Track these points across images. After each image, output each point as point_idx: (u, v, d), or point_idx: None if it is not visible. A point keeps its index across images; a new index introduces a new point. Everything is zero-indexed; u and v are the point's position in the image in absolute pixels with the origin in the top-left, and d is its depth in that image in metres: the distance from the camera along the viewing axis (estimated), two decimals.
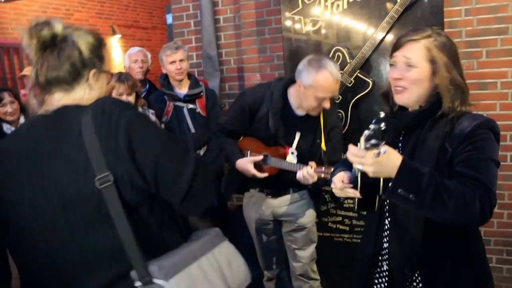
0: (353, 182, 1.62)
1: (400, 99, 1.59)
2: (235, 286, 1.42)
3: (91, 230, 1.24)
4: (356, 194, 1.59)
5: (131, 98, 2.91)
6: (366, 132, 1.29)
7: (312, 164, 2.38)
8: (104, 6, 8.92)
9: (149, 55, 3.94)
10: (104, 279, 1.26)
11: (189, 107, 3.29)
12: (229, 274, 1.42)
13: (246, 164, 2.56)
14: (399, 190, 1.35)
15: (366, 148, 1.31)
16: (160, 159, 1.26)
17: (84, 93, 1.38)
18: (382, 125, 1.27)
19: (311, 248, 2.82)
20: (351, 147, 1.38)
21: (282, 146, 2.60)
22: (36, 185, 1.27)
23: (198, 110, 3.30)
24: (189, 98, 3.29)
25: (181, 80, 3.29)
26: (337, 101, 3.01)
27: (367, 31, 2.97)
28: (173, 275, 1.25)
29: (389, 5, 2.88)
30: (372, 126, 1.28)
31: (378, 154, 1.30)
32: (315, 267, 2.89)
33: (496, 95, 3.05)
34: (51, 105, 1.36)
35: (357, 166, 1.38)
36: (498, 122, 2.99)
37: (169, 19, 4.28)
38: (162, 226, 1.35)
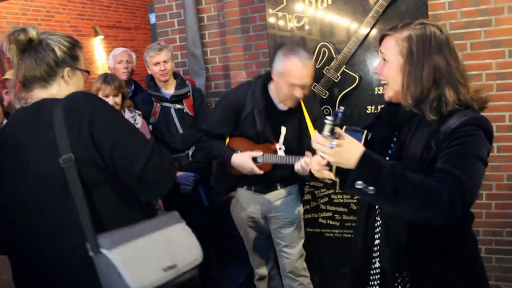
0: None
1: (385, 94, 1.59)
2: (182, 263, 1.53)
3: (59, 204, 1.46)
4: (331, 176, 1.57)
5: (118, 99, 2.87)
6: (326, 121, 1.37)
7: (308, 154, 2.37)
8: (85, 7, 8.81)
9: (133, 56, 3.89)
10: (66, 247, 1.47)
11: (176, 108, 3.25)
12: (178, 251, 1.54)
13: (246, 158, 2.54)
14: (358, 182, 1.34)
15: (325, 138, 1.37)
16: (118, 143, 1.46)
17: (60, 88, 1.59)
18: (335, 119, 1.35)
19: (299, 245, 2.83)
20: (315, 134, 1.41)
21: (271, 142, 2.60)
22: (16, 166, 1.49)
23: (186, 110, 3.27)
24: (176, 99, 3.25)
25: (166, 81, 3.25)
26: (325, 97, 3.01)
27: (352, 26, 2.97)
28: (117, 246, 1.40)
29: None
30: (328, 118, 1.36)
31: (331, 147, 1.36)
32: (304, 264, 2.90)
33: (481, 87, 3.05)
34: (31, 99, 1.58)
35: (319, 153, 1.42)
36: (483, 114, 3.06)
37: (153, 18, 4.24)
38: (124, 205, 1.54)
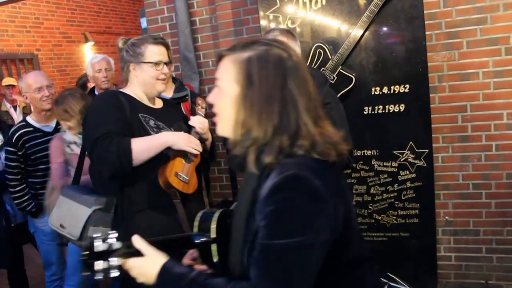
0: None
1: (216, 128, 1.25)
2: (68, 229, 2.21)
3: None
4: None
5: (71, 124, 2.80)
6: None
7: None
8: (74, 13, 8.73)
9: (112, 61, 3.80)
10: None
11: None
12: (71, 222, 2.18)
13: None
14: None
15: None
16: (85, 129, 2.07)
17: (132, 81, 2.15)
18: (90, 251, 1.18)
19: None
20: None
21: None
22: None
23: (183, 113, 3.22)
24: (174, 101, 3.19)
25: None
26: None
27: (348, 27, 2.93)
28: (63, 195, 2.32)
29: None
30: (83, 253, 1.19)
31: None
32: None
33: (479, 85, 3.04)
34: None
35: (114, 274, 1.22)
36: (481, 112, 3.04)
37: (144, 23, 4.18)
38: (100, 182, 2.15)
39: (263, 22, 3.16)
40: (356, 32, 2.89)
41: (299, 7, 3.03)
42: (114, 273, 1.18)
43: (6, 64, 7.16)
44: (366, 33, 2.89)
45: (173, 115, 2.31)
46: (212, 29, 3.80)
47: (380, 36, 2.90)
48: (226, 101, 1.17)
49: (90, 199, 2.20)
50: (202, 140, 2.16)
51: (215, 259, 1.39)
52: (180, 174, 2.06)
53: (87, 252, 1.17)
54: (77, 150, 2.75)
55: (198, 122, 2.16)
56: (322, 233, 1.04)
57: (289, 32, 2.45)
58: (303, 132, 1.11)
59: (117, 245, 1.20)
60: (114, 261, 1.19)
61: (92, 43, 8.90)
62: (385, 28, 2.89)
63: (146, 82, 2.14)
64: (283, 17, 3.10)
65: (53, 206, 2.40)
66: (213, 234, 1.42)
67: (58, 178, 2.78)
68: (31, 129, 2.98)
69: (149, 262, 1.19)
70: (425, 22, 2.86)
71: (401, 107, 2.95)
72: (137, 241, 1.21)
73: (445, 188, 3.23)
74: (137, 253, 1.20)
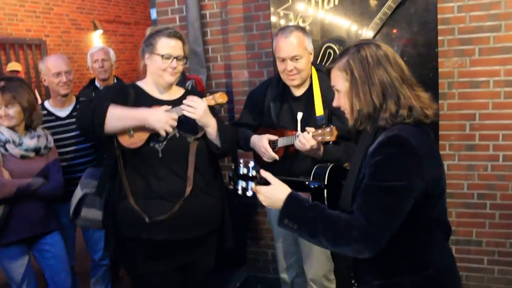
0: None
1: (349, 123, 1.58)
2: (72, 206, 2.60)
3: None
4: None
5: (12, 112, 2.52)
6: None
7: (310, 129, 2.24)
8: (85, 1, 8.73)
9: (111, 52, 3.82)
10: None
11: None
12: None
13: (262, 138, 2.46)
14: (285, 220, 1.50)
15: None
16: None
17: (147, 71, 2.25)
18: (240, 171, 1.61)
19: (323, 253, 2.66)
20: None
21: (288, 129, 2.49)
22: None
23: None
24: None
25: None
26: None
27: (359, 28, 2.90)
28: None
29: (381, 1, 2.80)
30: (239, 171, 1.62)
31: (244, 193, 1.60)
32: (331, 276, 2.75)
33: (489, 94, 2.99)
34: None
35: (249, 193, 1.60)
36: (490, 121, 2.99)
37: (154, 14, 4.14)
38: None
39: (273, 19, 3.12)
40: (367, 33, 2.85)
41: (311, 6, 3.00)
42: (249, 193, 1.58)
43: (14, 49, 7.15)
44: (378, 35, 2.85)
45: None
46: (222, 23, 3.76)
47: (391, 39, 2.86)
48: (345, 98, 1.52)
49: (85, 182, 2.51)
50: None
51: (325, 202, 1.74)
52: (130, 130, 2.19)
53: (233, 173, 1.62)
54: (16, 150, 2.57)
55: (190, 100, 2.19)
56: (414, 183, 1.35)
57: (303, 29, 2.44)
58: (402, 100, 1.43)
59: (253, 172, 1.59)
60: (251, 184, 1.58)
61: (101, 31, 8.89)
62: (397, 31, 2.85)
63: (154, 72, 2.22)
64: (294, 15, 3.06)
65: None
66: (325, 181, 1.79)
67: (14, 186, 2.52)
68: (45, 112, 3.00)
69: (276, 189, 1.55)
70: (438, 27, 2.82)
71: None
72: (265, 172, 1.59)
73: (449, 196, 3.19)
74: (267, 183, 1.57)
